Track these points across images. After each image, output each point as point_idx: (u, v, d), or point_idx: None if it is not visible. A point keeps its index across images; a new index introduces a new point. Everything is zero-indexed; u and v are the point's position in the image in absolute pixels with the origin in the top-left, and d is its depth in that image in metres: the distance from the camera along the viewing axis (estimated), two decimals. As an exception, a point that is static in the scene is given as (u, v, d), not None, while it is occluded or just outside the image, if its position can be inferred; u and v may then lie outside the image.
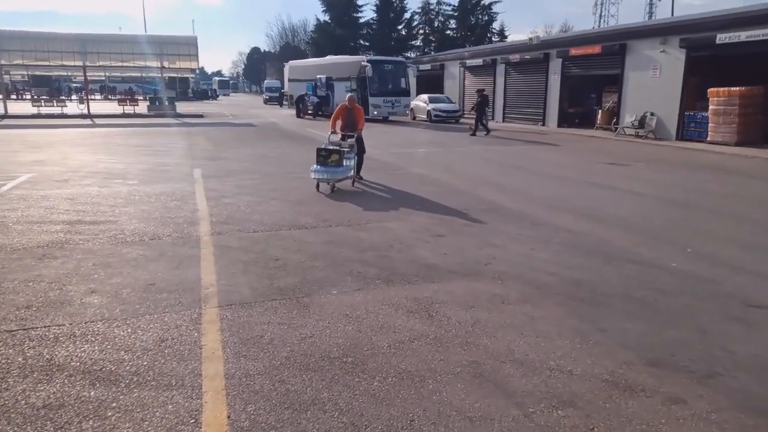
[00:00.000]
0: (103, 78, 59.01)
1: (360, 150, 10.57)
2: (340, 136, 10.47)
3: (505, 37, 60.45)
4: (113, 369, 3.57)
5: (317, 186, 9.68)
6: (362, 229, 7.21)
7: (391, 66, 30.84)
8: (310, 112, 32.93)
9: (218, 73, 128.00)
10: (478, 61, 32.29)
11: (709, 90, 18.08)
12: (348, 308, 4.61)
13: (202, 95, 68.19)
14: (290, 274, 5.43)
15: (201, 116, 32.59)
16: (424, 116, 30.47)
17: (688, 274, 5.55)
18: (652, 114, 20.53)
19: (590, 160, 14.81)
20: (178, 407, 3.16)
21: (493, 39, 59.01)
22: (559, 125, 25.91)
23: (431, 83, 36.94)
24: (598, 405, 3.24)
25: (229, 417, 3.08)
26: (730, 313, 4.59)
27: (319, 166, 9.59)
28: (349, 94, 10.96)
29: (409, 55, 56.32)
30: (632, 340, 4.09)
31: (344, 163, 9.72)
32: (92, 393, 3.29)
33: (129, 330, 4.14)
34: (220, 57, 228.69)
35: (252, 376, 3.51)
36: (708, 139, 18.31)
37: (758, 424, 3.06)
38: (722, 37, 17.74)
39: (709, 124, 18.31)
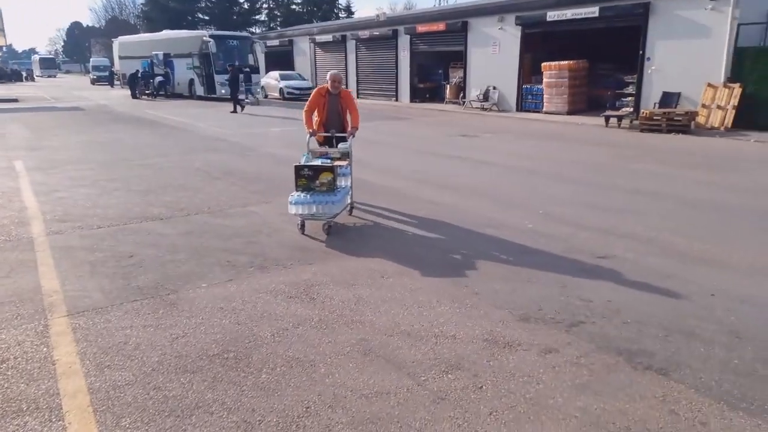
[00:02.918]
0: None
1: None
2: (321, 139, 7.13)
3: (352, 13, 60.79)
4: (-62, 405, 2.96)
5: (301, 227, 6.03)
6: (225, 216, 6.80)
7: (236, 42, 29.45)
8: (147, 92, 30.55)
9: (33, 51, 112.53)
10: (328, 37, 32.05)
11: (543, 64, 19.83)
12: (222, 301, 4.31)
13: (15, 77, 59.52)
14: (149, 271, 4.94)
15: (15, 100, 28.41)
16: (277, 94, 29.71)
17: (542, 234, 6.03)
18: (494, 88, 22.03)
19: (443, 133, 15.51)
20: (33, 437, 2.71)
21: (340, 15, 58.99)
22: (412, 100, 26.78)
23: (280, 60, 35.98)
24: (483, 364, 3.38)
25: (98, 438, 2.71)
26: (581, 266, 5.07)
27: (303, 194, 5.87)
28: (332, 71, 6.99)
29: (254, 30, 54.29)
30: (503, 299, 4.34)
31: (339, 184, 6.21)
32: None
33: (-46, 355, 3.47)
34: (33, 33, 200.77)
35: (121, 387, 3.12)
36: (544, 110, 20.14)
37: (618, 362, 3.41)
38: (552, 15, 19.45)
39: (544, 96, 20.13)
